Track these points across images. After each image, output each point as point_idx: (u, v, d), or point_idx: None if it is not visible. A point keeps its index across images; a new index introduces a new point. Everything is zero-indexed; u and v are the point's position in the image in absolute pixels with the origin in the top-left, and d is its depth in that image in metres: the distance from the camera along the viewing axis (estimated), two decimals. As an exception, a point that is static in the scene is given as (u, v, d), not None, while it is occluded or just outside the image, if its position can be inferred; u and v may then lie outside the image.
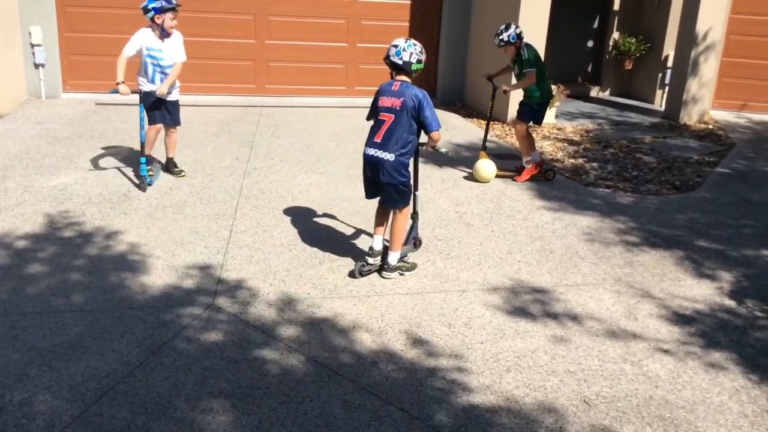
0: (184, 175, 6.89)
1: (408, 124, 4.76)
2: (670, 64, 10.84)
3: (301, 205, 6.30)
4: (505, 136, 9.24)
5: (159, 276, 4.82)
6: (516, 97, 9.22)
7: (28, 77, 9.76)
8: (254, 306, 4.48)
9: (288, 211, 6.15)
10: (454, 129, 9.49)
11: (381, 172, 4.79)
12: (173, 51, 6.60)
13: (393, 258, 4.98)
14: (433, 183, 7.11)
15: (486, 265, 5.30)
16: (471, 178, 7.31)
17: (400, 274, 5.00)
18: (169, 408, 3.43)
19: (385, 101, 4.83)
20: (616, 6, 11.75)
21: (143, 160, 6.51)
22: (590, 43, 12.26)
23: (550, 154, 8.41)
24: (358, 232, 5.76)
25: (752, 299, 4.97)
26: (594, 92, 12.17)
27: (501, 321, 4.48)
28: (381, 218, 5.07)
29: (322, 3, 10.48)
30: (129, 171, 6.96)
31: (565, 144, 8.88)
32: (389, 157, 4.76)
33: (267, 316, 4.37)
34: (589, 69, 12.45)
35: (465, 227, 6.01)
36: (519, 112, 7.30)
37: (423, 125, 4.79)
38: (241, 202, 6.31)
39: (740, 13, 10.69)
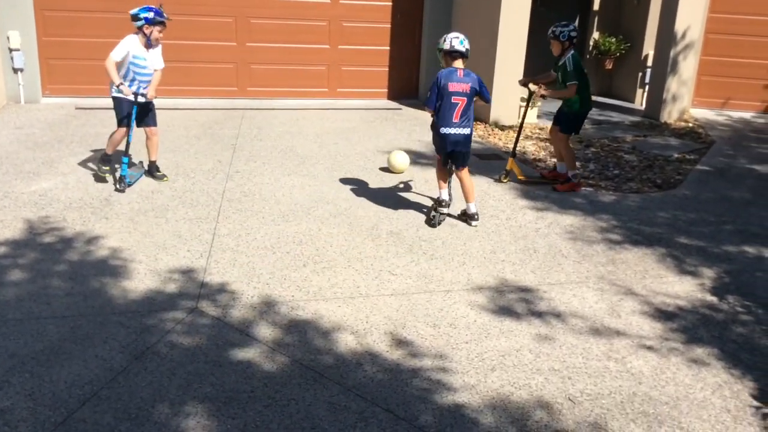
0: (166, 180, 6.85)
1: (471, 102, 5.87)
2: (650, 63, 10.92)
3: (285, 208, 6.29)
4: (488, 136, 9.26)
5: (141, 280, 4.79)
6: (500, 102, 9.28)
7: (6, 82, 9.66)
8: (238, 309, 4.46)
9: (271, 214, 6.13)
10: (436, 130, 9.50)
11: (465, 144, 5.94)
12: (155, 60, 6.67)
13: (474, 207, 6.12)
14: (417, 184, 7.12)
15: (470, 265, 5.31)
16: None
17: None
18: (153, 413, 3.41)
19: (455, 86, 5.77)
20: (596, 6, 11.83)
21: (125, 160, 6.49)
22: (571, 43, 12.32)
23: (533, 154, 8.45)
24: (342, 234, 5.75)
25: (733, 295, 5.01)
26: (575, 92, 12.23)
27: (485, 320, 4.49)
28: (445, 176, 6.20)
29: (303, 5, 10.46)
30: (110, 175, 6.90)
31: (548, 143, 8.92)
32: (468, 131, 5.93)
33: (251, 319, 4.35)
34: (570, 69, 12.50)
35: (449, 228, 6.02)
36: (558, 120, 7.18)
37: (483, 99, 5.95)
38: (224, 205, 6.28)
39: (718, 12, 10.81)
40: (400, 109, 10.65)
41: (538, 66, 11.37)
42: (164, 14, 6.47)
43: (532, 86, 7.16)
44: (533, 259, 5.46)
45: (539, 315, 4.59)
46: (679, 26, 9.93)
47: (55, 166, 7.14)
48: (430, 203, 6.56)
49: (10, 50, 9.52)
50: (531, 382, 3.85)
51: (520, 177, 7.29)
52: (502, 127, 9.59)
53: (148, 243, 5.41)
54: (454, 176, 6.24)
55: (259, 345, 4.07)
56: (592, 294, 4.93)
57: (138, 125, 6.71)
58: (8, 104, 9.71)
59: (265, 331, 4.22)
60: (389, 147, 8.39)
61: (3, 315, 4.25)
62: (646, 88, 11.02)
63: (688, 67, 10.31)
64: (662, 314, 4.69)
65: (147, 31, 6.46)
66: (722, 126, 10.36)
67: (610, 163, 8.23)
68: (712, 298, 4.95)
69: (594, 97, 11.93)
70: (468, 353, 4.10)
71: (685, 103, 10.72)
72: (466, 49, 5.83)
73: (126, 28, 9.90)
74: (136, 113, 6.59)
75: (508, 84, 9.34)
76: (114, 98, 6.61)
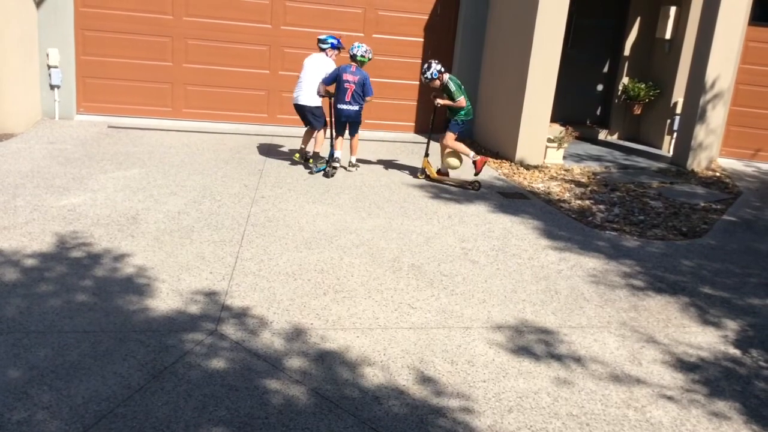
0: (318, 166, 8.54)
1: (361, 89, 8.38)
2: (678, 110, 10.91)
3: (308, 235, 6.32)
4: (512, 174, 9.27)
5: (163, 300, 4.82)
6: (526, 142, 9.31)
7: (43, 98, 9.88)
8: (257, 334, 4.47)
9: (294, 241, 6.16)
10: (464, 166, 9.54)
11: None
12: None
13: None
14: (440, 219, 7.13)
15: (490, 303, 5.28)
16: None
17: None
18: (168, 434, 3.41)
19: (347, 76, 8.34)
20: (627, 51, 11.88)
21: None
22: (600, 87, 12.37)
23: (557, 195, 8.44)
24: (363, 264, 5.77)
25: (757, 349, 4.93)
26: (602, 135, 12.24)
27: (504, 360, 4.45)
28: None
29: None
30: (138, 194, 7.01)
31: (573, 185, 8.91)
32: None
33: (270, 345, 4.36)
34: (598, 112, 12.54)
35: (470, 264, 6.01)
36: (449, 126, 8.58)
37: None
38: (248, 229, 6.33)
39: (750, 64, 10.81)
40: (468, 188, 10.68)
41: (566, 106, 11.43)
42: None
43: (439, 101, 8.45)
44: (554, 301, 5.42)
45: (559, 358, 4.55)
46: (710, 75, 9.93)
47: (85, 182, 7.26)
48: (452, 239, 6.56)
49: (49, 67, 9.76)
50: (548, 426, 3.80)
51: (433, 176, 8.71)
52: (528, 167, 9.60)
53: (172, 263, 5.46)
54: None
55: (276, 371, 4.07)
56: (613, 340, 4.88)
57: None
58: (43, 119, 9.92)
59: (283, 358, 4.22)
60: (413, 181, 8.43)
61: (26, 327, 4.30)
62: (674, 135, 10.99)
63: (717, 116, 10.28)
64: (684, 364, 4.62)
65: (330, 53, 8.58)
66: (750, 177, 10.28)
67: (636, 208, 8.19)
68: (735, 351, 4.87)
69: (621, 142, 12.00)
70: (485, 392, 4.06)
71: (713, 152, 10.67)
72: (361, 54, 8.38)
73: (158, 49, 10.18)
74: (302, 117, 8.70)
75: (535, 126, 9.38)
76: (320, 107, 8.56)
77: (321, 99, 8.49)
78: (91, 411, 3.54)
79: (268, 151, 9.33)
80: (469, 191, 8.28)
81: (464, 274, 5.79)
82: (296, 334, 4.53)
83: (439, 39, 10.91)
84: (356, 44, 8.53)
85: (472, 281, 5.65)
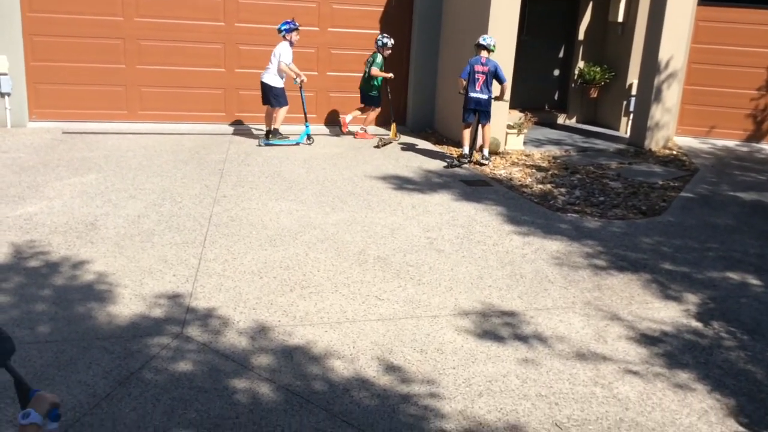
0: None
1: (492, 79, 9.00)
2: (634, 92, 11.08)
3: (272, 233, 6.28)
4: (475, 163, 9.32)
5: (126, 305, 4.75)
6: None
7: (-7, 106, 9.64)
8: (224, 335, 4.43)
9: (258, 239, 6.12)
10: (424, 156, 9.57)
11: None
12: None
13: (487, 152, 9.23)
14: (404, 209, 7.14)
15: (457, 290, 5.32)
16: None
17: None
18: (137, 440, 3.36)
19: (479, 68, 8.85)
20: (581, 36, 12.01)
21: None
22: (556, 72, 12.49)
23: (519, 180, 8.51)
24: (329, 259, 5.75)
25: (718, 321, 5.05)
26: (561, 119, 12.38)
27: (473, 346, 4.48)
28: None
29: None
30: (95, 199, 6.88)
31: (534, 170, 9.00)
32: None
33: (237, 344, 4.32)
34: (556, 97, 12.67)
35: (436, 253, 6.03)
36: (364, 100, 10.33)
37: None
38: (211, 229, 6.27)
39: (701, 43, 11.00)
40: (389, 135, 10.71)
41: (524, 92, 11.53)
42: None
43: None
44: (520, 285, 5.47)
45: (526, 340, 4.60)
46: (663, 56, 10.09)
47: (41, 190, 7.11)
48: (416, 229, 6.58)
49: (-2, 74, 9.52)
50: (518, 408, 3.84)
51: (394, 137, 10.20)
52: (489, 154, 9.64)
53: (134, 268, 5.38)
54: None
55: (245, 371, 4.04)
56: (578, 319, 4.94)
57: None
58: (-5, 128, 9.68)
59: (251, 357, 4.19)
60: (377, 173, 8.43)
61: (-15, 340, 4.20)
62: (631, 116, 11.16)
63: (672, 95, 10.46)
64: (648, 340, 4.71)
65: (289, 37, 9.37)
66: (706, 154, 10.50)
67: (596, 189, 8.30)
68: (697, 324, 4.98)
69: (579, 125, 12.15)
70: (455, 379, 4.09)
71: (670, 131, 10.86)
72: (487, 44, 8.86)
73: (110, 52, 10.00)
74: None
75: (494, 113, 9.42)
76: (282, 88, 9.49)
77: (282, 80, 9.48)
78: (56, 421, 3.47)
79: (228, 149, 9.24)
80: (433, 181, 8.30)
81: (430, 263, 5.81)
82: (263, 332, 4.50)
83: (396, 31, 10.89)
84: (485, 36, 8.95)
85: (438, 270, 5.68)
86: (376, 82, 10.27)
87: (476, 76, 8.84)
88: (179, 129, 10.20)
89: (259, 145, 9.50)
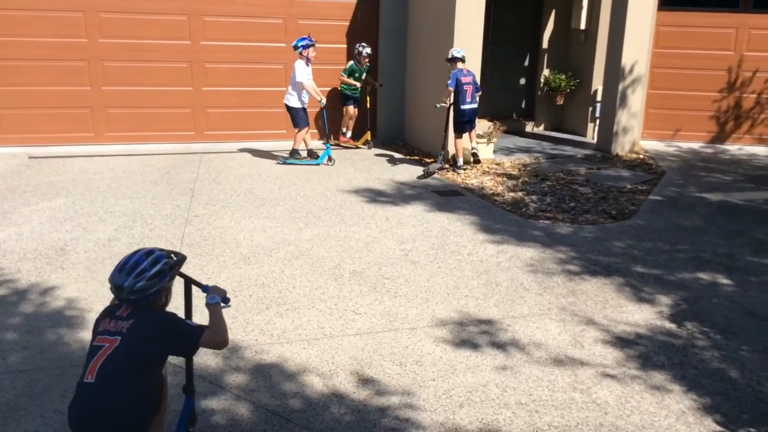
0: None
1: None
2: (599, 97, 11.24)
3: (246, 251, 6.24)
4: (446, 173, 9.37)
5: (100, 331, 4.67)
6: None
7: (-45, 132, 9.47)
8: (199, 355, 4.37)
9: (232, 257, 6.07)
10: (395, 167, 9.59)
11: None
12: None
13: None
14: (378, 222, 7.14)
15: (434, 301, 5.32)
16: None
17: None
18: (115, 468, 3.30)
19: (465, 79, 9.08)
20: (545, 44, 12.17)
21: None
22: (523, 81, 12.64)
23: (491, 189, 8.57)
24: (304, 275, 5.73)
25: (691, 321, 5.12)
26: (529, 127, 12.51)
27: (451, 356, 4.49)
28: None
29: (258, 50, 10.53)
30: (65, 224, 6.78)
31: (504, 178, 9.07)
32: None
33: (213, 365, 4.28)
34: (523, 105, 12.80)
35: (411, 265, 6.04)
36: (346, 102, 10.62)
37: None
38: (183, 250, 6.20)
39: (663, 48, 11.22)
40: (358, 149, 10.73)
41: (492, 102, 11.63)
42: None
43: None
44: (496, 293, 5.50)
45: (504, 349, 4.61)
46: (626, 61, 10.26)
47: (9, 217, 6.98)
48: (390, 241, 6.58)
49: (-40, 100, 9.35)
50: (499, 417, 3.85)
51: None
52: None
53: (106, 292, 5.29)
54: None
55: (222, 391, 4.00)
56: (554, 325, 4.98)
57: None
58: (-42, 155, 9.50)
59: (228, 377, 4.15)
60: (349, 186, 8.43)
61: (-46, 372, 4.11)
62: (597, 122, 11.31)
63: (637, 100, 10.63)
64: (624, 343, 4.75)
65: (306, 53, 9.24)
66: (672, 157, 10.67)
67: (566, 195, 8.39)
68: (671, 326, 5.04)
69: (547, 132, 12.29)
70: (435, 390, 4.09)
71: (636, 135, 11.03)
72: (462, 56, 8.98)
73: (75, 74, 9.90)
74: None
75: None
76: (298, 108, 9.40)
77: (302, 101, 9.42)
78: (31, 453, 3.40)
79: (198, 168, 9.17)
80: (405, 193, 8.32)
81: (406, 275, 5.82)
82: (240, 351, 4.46)
83: (364, 42, 10.93)
84: (457, 49, 9.08)
85: (414, 282, 5.68)
86: (347, 90, 10.66)
87: (464, 88, 8.95)
88: (148, 149, 10.11)
89: (278, 163, 9.54)
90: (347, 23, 10.91)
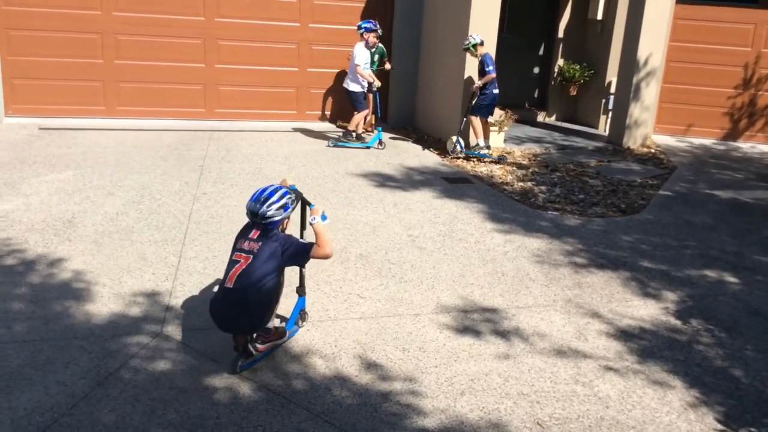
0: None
1: None
2: (612, 90, 11.15)
3: (253, 230, 6.23)
4: (454, 160, 9.33)
5: (105, 304, 4.69)
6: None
7: (-33, 101, 9.48)
8: (204, 334, 4.39)
9: (239, 237, 6.07)
10: (405, 153, 9.56)
11: None
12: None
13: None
14: (386, 207, 7.13)
15: (439, 288, 5.32)
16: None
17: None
18: (116, 441, 3.33)
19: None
20: (561, 33, 12.06)
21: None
22: (536, 70, 12.54)
23: (500, 178, 8.53)
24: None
25: (696, 318, 5.10)
26: (541, 117, 12.42)
27: (455, 344, 4.49)
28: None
29: (272, 28, 10.48)
30: (73, 196, 6.79)
31: (514, 168, 9.03)
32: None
33: (217, 343, 4.29)
34: (536, 95, 12.71)
35: (418, 251, 6.03)
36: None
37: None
38: (191, 227, 6.21)
39: (679, 41, 11.10)
40: (370, 133, 10.69)
41: (504, 90, 11.55)
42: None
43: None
44: (501, 283, 5.49)
45: (508, 339, 4.61)
46: (642, 54, 10.16)
47: (18, 187, 7.00)
48: (398, 227, 6.57)
49: (-28, 69, 9.35)
50: (500, 406, 3.85)
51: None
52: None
53: (113, 266, 5.32)
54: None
55: (225, 370, 4.01)
56: (559, 317, 4.97)
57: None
58: (-31, 123, 9.52)
59: (231, 356, 4.15)
60: (358, 170, 8.41)
61: (-40, 340, 4.13)
62: (610, 114, 11.23)
63: (650, 94, 10.54)
64: (628, 337, 4.74)
65: (366, 37, 9.36)
66: (683, 152, 10.60)
67: (576, 187, 8.35)
68: (676, 322, 5.02)
69: (559, 123, 12.21)
70: (437, 377, 4.09)
71: (648, 129, 10.95)
72: (482, 41, 8.95)
73: (88, 47, 9.88)
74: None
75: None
76: (357, 92, 9.54)
77: (360, 86, 9.50)
78: (34, 422, 3.42)
79: (208, 146, 9.16)
80: (414, 178, 8.30)
81: (412, 261, 5.81)
82: (245, 330, 4.46)
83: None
84: (475, 35, 9.05)
85: (420, 268, 5.68)
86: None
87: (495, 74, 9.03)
88: (158, 125, 10.10)
89: (329, 145, 9.54)
90: (362, 5, 10.83)
